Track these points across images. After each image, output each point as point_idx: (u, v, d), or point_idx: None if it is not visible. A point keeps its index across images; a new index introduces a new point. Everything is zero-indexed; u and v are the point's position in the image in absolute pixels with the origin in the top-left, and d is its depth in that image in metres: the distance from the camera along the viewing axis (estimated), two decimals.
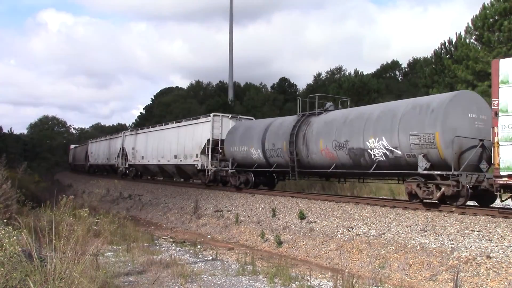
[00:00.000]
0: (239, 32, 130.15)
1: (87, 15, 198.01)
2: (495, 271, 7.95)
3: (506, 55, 20.49)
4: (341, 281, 6.84)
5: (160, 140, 27.52)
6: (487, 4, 24.67)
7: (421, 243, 9.72)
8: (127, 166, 33.26)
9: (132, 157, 32.05)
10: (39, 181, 29.29)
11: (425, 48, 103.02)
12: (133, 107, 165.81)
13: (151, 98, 74.57)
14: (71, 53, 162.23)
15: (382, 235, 10.77)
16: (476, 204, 11.99)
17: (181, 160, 24.40)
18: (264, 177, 19.58)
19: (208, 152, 21.32)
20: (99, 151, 42.29)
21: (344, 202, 14.07)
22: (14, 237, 5.31)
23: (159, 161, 27.38)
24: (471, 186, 10.84)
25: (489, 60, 19.55)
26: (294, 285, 7.38)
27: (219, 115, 21.92)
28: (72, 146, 65.24)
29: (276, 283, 7.47)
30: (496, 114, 9.49)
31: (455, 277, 7.25)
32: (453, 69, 25.91)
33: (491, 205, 11.70)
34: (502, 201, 10.69)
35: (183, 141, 24.23)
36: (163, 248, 11.13)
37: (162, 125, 29.09)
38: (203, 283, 7.36)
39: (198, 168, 22.10)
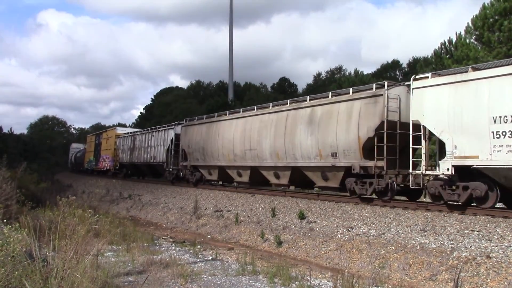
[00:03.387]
0: (239, 33, 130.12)
1: (87, 15, 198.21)
2: (495, 271, 7.95)
3: (506, 56, 20.50)
4: (341, 281, 6.83)
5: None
6: (487, 4, 24.63)
7: (421, 243, 9.72)
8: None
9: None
10: (39, 181, 29.23)
11: (425, 48, 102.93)
12: (133, 107, 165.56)
13: (151, 98, 74.77)
14: (71, 53, 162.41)
15: (382, 235, 10.77)
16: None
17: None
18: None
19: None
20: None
21: (344, 202, 14.08)
22: (16, 236, 5.30)
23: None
24: None
25: (489, 60, 19.53)
26: (294, 285, 7.37)
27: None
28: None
29: (276, 283, 7.46)
30: None
31: (456, 277, 7.24)
32: None
33: (491, 205, 11.63)
34: None
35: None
36: (163, 248, 11.13)
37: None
38: (203, 283, 7.35)
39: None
